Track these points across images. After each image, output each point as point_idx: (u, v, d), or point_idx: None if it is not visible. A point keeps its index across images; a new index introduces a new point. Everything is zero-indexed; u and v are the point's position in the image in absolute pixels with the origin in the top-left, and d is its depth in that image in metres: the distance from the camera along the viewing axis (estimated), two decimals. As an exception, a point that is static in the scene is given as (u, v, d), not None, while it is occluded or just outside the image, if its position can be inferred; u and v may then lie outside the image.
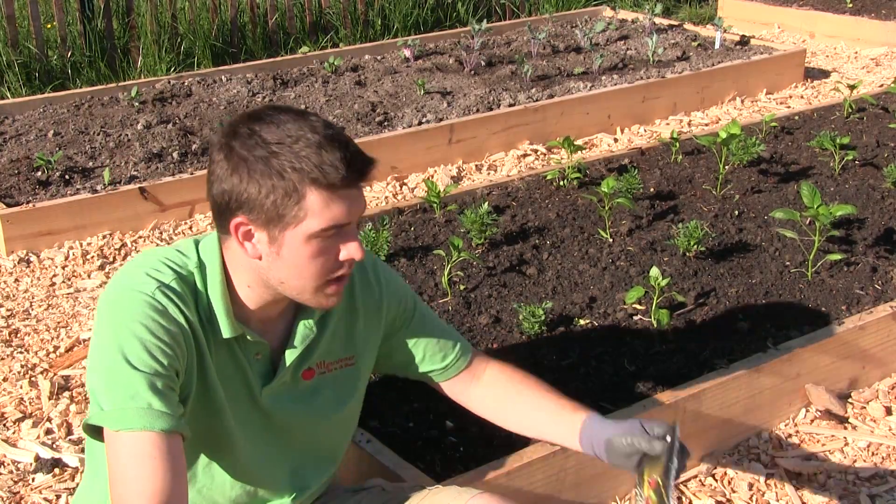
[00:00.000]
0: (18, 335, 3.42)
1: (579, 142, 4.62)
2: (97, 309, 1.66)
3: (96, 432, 1.60)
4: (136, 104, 5.18)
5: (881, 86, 5.84)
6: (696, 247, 3.32)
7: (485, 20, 6.39)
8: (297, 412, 1.81)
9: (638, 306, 3.03)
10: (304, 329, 1.78)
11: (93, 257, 3.96)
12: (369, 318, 1.88)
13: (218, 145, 1.61)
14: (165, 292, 1.61)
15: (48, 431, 2.88)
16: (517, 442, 2.40)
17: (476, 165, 4.84)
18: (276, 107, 1.64)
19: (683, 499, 2.54)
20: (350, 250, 1.63)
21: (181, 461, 1.56)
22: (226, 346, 1.70)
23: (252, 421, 1.77)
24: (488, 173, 4.76)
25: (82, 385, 3.09)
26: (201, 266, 1.69)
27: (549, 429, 1.93)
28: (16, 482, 2.66)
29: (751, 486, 2.58)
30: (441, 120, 4.97)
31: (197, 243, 1.72)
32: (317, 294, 1.66)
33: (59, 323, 3.48)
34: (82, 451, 2.73)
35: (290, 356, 1.76)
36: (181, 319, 1.62)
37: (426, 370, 1.98)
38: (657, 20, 6.71)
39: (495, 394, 1.99)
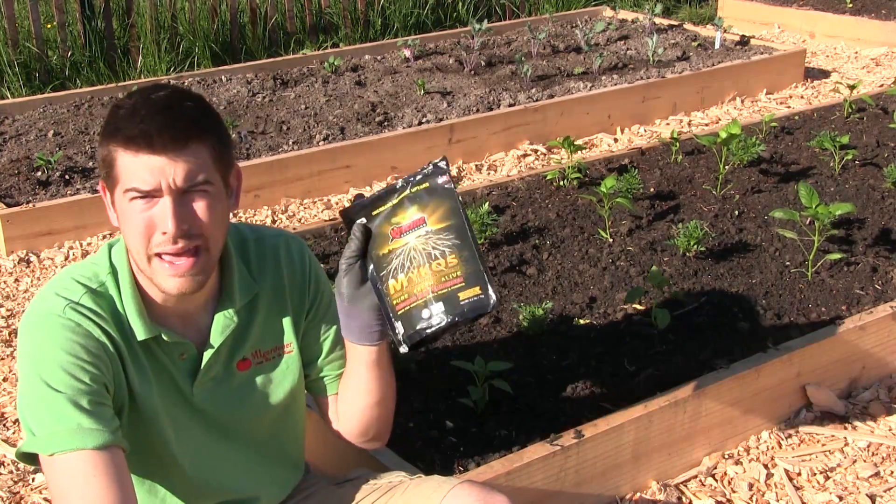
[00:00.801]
0: (18, 335, 3.42)
1: (579, 142, 4.62)
2: (18, 336, 1.65)
3: (32, 459, 1.58)
4: (136, 104, 5.18)
5: (881, 86, 5.84)
6: (696, 247, 3.32)
7: (485, 20, 6.39)
8: (235, 405, 1.78)
9: (638, 306, 3.03)
10: (224, 320, 1.74)
11: (93, 257, 3.97)
12: (296, 299, 1.83)
13: None
14: (77, 309, 1.61)
15: (48, 431, 2.88)
16: (517, 442, 2.40)
17: (476, 165, 4.84)
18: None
19: (684, 499, 2.54)
20: (160, 221, 1.57)
21: (124, 474, 1.54)
22: (147, 349, 1.68)
23: (189, 422, 1.74)
24: (488, 173, 4.76)
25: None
26: (113, 272, 1.67)
27: (355, 375, 1.82)
28: (16, 482, 2.66)
29: (751, 486, 2.58)
30: (441, 120, 4.97)
31: (111, 247, 1.71)
32: (152, 267, 1.60)
33: (59, 323, 3.48)
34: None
35: (208, 355, 1.73)
36: (97, 333, 1.61)
37: (324, 374, 1.88)
38: (657, 20, 6.72)
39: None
